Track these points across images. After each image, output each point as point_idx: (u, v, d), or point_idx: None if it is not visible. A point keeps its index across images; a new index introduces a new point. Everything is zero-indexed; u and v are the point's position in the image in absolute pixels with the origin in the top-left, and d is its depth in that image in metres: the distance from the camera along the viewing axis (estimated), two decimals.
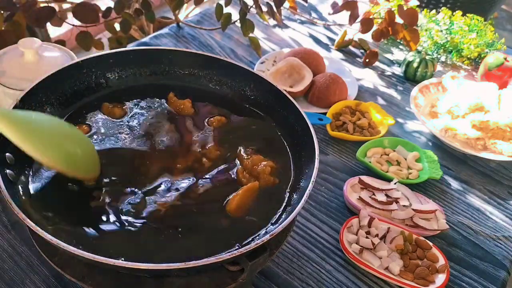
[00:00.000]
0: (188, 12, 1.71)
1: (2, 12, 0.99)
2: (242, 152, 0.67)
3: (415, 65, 1.16)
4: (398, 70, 1.22)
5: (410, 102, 1.04)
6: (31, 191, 0.57)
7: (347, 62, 1.23)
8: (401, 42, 1.32)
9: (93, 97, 0.73)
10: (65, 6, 1.18)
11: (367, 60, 1.22)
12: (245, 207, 0.60)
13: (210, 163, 0.65)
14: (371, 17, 1.20)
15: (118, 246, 0.54)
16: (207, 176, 0.64)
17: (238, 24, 1.14)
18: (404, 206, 0.81)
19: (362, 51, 1.27)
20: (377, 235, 0.75)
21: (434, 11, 1.33)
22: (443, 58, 1.28)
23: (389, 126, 0.99)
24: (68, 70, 0.69)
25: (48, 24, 1.05)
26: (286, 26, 1.34)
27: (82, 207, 0.58)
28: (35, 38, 0.80)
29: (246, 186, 0.62)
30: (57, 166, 0.56)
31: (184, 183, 0.62)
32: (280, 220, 0.59)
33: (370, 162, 0.90)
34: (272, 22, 1.33)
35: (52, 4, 1.04)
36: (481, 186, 0.93)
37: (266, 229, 0.59)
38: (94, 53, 0.73)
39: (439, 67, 1.24)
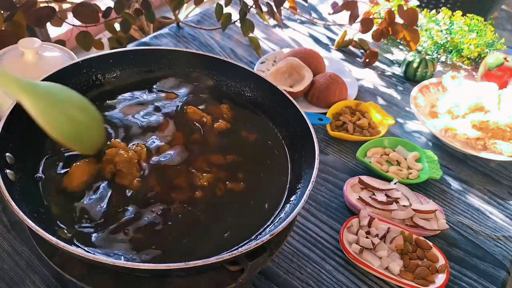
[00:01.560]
0: (188, 12, 1.71)
1: (2, 12, 0.98)
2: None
3: (415, 65, 1.16)
4: (398, 70, 1.22)
5: (410, 102, 1.04)
6: (31, 191, 0.58)
7: (347, 62, 1.23)
8: (401, 42, 1.32)
9: (94, 97, 0.73)
10: (65, 6, 1.18)
11: (367, 60, 1.22)
12: None
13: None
14: (371, 17, 1.20)
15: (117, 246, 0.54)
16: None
17: (238, 24, 1.14)
18: (404, 206, 0.81)
19: (362, 51, 1.27)
20: (377, 235, 0.75)
21: (434, 11, 1.33)
22: (443, 58, 1.28)
23: (389, 126, 0.99)
24: (68, 70, 0.69)
25: (48, 24, 1.05)
26: (286, 26, 1.34)
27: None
28: (35, 38, 0.80)
29: None
30: (65, 142, 0.57)
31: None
32: (280, 220, 0.59)
33: (370, 162, 0.90)
34: (272, 22, 1.33)
35: (52, 4, 1.04)
36: (481, 186, 0.93)
37: (266, 229, 0.59)
38: (94, 53, 0.73)
39: (439, 67, 1.24)
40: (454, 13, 1.28)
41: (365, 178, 0.85)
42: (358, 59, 1.25)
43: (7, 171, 0.55)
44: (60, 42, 1.05)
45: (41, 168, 0.61)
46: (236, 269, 0.54)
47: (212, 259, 0.49)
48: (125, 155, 0.61)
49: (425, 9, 1.36)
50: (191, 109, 0.71)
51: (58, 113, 0.56)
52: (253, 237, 0.58)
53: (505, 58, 1.12)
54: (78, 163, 0.60)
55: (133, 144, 0.64)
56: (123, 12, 1.09)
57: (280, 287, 0.70)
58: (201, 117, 0.71)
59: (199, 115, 0.71)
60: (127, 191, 0.59)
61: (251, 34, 1.12)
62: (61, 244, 0.47)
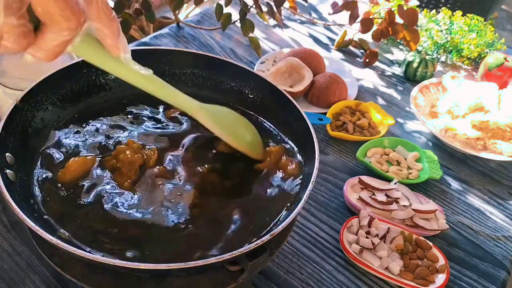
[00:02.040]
0: (188, 12, 1.71)
1: None
2: None
3: (415, 65, 1.16)
4: (398, 70, 1.22)
5: (410, 102, 1.04)
6: (31, 191, 0.58)
7: (347, 62, 1.23)
8: (401, 42, 1.32)
9: (94, 97, 0.73)
10: None
11: (367, 60, 1.22)
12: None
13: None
14: (371, 17, 1.20)
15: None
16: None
17: (238, 24, 1.14)
18: (404, 206, 0.81)
19: (362, 51, 1.27)
20: (377, 235, 0.75)
21: (434, 11, 1.33)
22: (443, 58, 1.28)
23: (389, 126, 0.99)
24: (68, 70, 0.69)
25: None
26: (286, 26, 1.34)
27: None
28: None
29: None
30: (242, 148, 0.65)
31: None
32: (280, 220, 0.59)
33: (370, 162, 0.90)
34: (272, 22, 1.33)
35: None
36: (481, 186, 0.93)
37: (266, 229, 0.59)
38: None
39: (439, 67, 1.24)
40: (454, 13, 1.28)
41: (365, 178, 0.85)
42: (358, 59, 1.25)
43: (7, 171, 0.55)
44: None
45: (38, 163, 0.61)
46: (236, 269, 0.54)
47: (212, 259, 0.49)
48: (129, 156, 0.62)
49: (425, 9, 1.36)
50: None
51: (229, 123, 0.64)
52: (253, 237, 0.58)
53: (505, 58, 1.12)
54: (76, 158, 0.61)
55: (149, 148, 0.65)
56: (123, 12, 1.09)
57: (280, 287, 0.70)
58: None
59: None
60: (117, 187, 0.60)
61: (251, 34, 1.12)
62: (61, 244, 0.47)
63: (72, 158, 0.61)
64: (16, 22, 0.35)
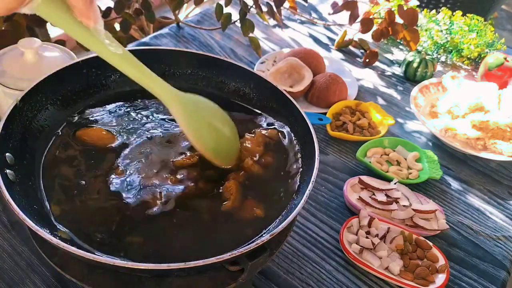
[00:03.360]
0: (188, 12, 1.71)
1: None
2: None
3: (415, 65, 1.16)
4: (398, 70, 1.22)
5: (410, 102, 1.04)
6: (31, 191, 0.58)
7: (347, 62, 1.23)
8: (401, 42, 1.32)
9: (94, 97, 0.73)
10: None
11: (367, 60, 1.22)
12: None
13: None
14: (371, 17, 1.20)
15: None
16: None
17: (238, 24, 1.14)
18: (404, 206, 0.81)
19: (362, 51, 1.27)
20: (377, 235, 0.75)
21: (434, 11, 1.33)
22: (443, 58, 1.28)
23: (389, 126, 0.99)
24: (68, 70, 0.69)
25: (48, 24, 1.05)
26: (286, 26, 1.34)
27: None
28: (35, 38, 0.80)
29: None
30: (205, 153, 0.59)
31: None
32: (280, 220, 0.59)
33: (370, 162, 0.90)
34: (272, 22, 1.33)
35: None
36: (481, 186, 0.93)
37: (266, 229, 0.59)
38: (94, 53, 0.73)
39: (439, 67, 1.24)
40: (454, 13, 1.28)
41: (365, 178, 0.85)
42: (358, 59, 1.25)
43: (7, 171, 0.55)
44: (60, 42, 1.05)
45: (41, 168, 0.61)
46: (236, 269, 0.54)
47: (212, 259, 0.49)
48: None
49: (425, 9, 1.36)
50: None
51: (202, 122, 0.58)
52: (253, 237, 0.58)
53: (505, 58, 1.12)
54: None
55: None
56: (123, 12, 1.09)
57: (280, 287, 0.70)
58: None
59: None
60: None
61: (251, 34, 1.12)
62: (62, 244, 0.47)
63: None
64: None
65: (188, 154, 0.65)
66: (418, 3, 1.24)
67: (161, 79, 0.53)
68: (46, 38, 1.36)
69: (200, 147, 0.58)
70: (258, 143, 0.67)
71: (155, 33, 1.23)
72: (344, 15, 1.22)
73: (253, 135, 0.68)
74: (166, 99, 0.54)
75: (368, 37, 1.27)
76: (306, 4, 1.41)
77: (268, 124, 0.73)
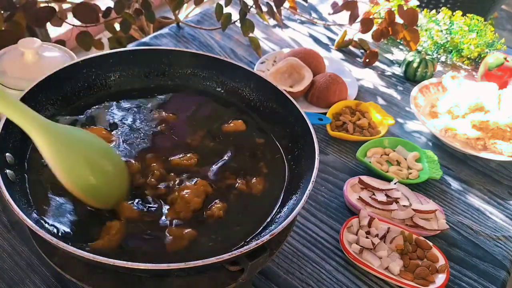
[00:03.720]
0: (188, 12, 1.71)
1: (2, 12, 0.98)
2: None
3: (415, 65, 1.16)
4: (398, 70, 1.22)
5: (410, 102, 1.04)
6: (31, 191, 0.58)
7: (347, 62, 1.23)
8: (401, 42, 1.32)
9: (94, 97, 0.73)
10: (65, 6, 1.18)
11: (367, 60, 1.22)
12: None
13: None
14: (371, 17, 1.20)
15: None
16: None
17: (238, 24, 1.14)
18: (404, 206, 0.81)
19: (362, 51, 1.27)
20: (377, 235, 0.75)
21: (434, 11, 1.33)
22: (443, 58, 1.28)
23: (389, 126, 0.99)
24: (68, 70, 0.69)
25: (48, 24, 1.05)
26: (286, 26, 1.34)
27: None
28: (35, 38, 0.80)
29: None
30: (76, 193, 0.52)
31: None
32: (280, 220, 0.59)
33: (370, 162, 0.90)
34: (272, 22, 1.33)
35: (52, 4, 1.04)
36: (481, 186, 0.93)
37: (266, 229, 0.59)
38: (94, 53, 0.73)
39: (439, 67, 1.24)
40: (454, 13, 1.28)
41: (365, 178, 0.85)
42: (358, 59, 1.25)
43: (7, 171, 0.55)
44: (60, 42, 1.05)
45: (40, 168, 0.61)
46: (236, 269, 0.54)
47: (212, 259, 0.49)
48: None
49: (425, 9, 1.36)
50: None
51: (75, 157, 0.50)
52: (253, 237, 0.58)
53: (505, 58, 1.12)
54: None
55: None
56: (123, 12, 1.09)
57: (280, 287, 0.70)
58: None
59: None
60: None
61: (251, 34, 1.12)
62: (61, 244, 0.47)
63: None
64: None
65: (188, 155, 0.65)
66: (418, 3, 1.24)
67: (24, 104, 0.46)
68: (46, 38, 1.36)
69: (70, 185, 0.51)
70: (198, 193, 0.59)
71: (155, 33, 1.23)
72: (344, 15, 1.22)
73: (195, 182, 0.61)
74: (25, 126, 0.46)
75: (368, 37, 1.27)
76: (306, 4, 1.41)
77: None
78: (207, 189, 0.61)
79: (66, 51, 0.85)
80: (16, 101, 0.44)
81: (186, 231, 0.56)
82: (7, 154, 0.57)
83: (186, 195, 0.58)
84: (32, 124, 0.45)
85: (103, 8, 1.08)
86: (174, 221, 0.57)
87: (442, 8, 1.32)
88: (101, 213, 0.57)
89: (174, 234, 0.55)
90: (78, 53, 0.83)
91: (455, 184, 0.92)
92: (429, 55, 1.17)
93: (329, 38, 1.32)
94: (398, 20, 1.15)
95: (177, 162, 0.64)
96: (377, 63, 1.23)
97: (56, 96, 0.68)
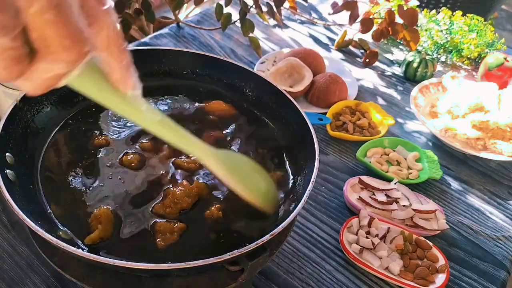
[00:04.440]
0: (188, 12, 1.70)
1: None
2: None
3: (415, 65, 1.16)
4: (398, 70, 1.22)
5: (410, 102, 1.04)
6: (31, 191, 0.58)
7: (347, 62, 1.23)
8: (401, 42, 1.32)
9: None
10: None
11: (367, 60, 1.22)
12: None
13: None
14: (371, 17, 1.20)
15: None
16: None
17: (238, 24, 1.14)
18: (404, 206, 0.81)
19: (362, 51, 1.27)
20: (377, 235, 0.75)
21: (434, 11, 1.33)
22: (443, 58, 1.28)
23: (389, 126, 0.99)
24: None
25: None
26: (286, 26, 1.34)
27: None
28: None
29: None
30: (254, 201, 0.56)
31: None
32: (280, 220, 0.59)
33: (370, 162, 0.90)
34: (272, 22, 1.33)
35: None
36: (481, 186, 0.93)
37: (266, 229, 0.59)
38: None
39: (439, 67, 1.24)
40: (454, 13, 1.28)
41: (365, 178, 0.85)
42: (358, 59, 1.25)
43: (7, 171, 0.55)
44: None
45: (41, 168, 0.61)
46: (236, 269, 0.54)
47: (212, 259, 0.49)
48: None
49: (425, 9, 1.36)
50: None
51: (241, 173, 0.56)
52: (253, 237, 0.58)
53: (505, 58, 1.12)
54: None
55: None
56: (123, 12, 1.09)
57: (280, 287, 0.70)
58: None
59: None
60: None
61: (251, 34, 1.12)
62: (62, 244, 0.47)
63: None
64: (10, 44, 0.28)
65: (191, 158, 0.65)
66: (418, 3, 1.24)
67: (197, 138, 0.50)
68: None
69: (246, 193, 0.55)
70: (190, 194, 0.60)
71: (155, 33, 1.23)
72: (344, 15, 1.22)
73: (191, 183, 0.62)
74: (202, 156, 0.52)
75: (368, 37, 1.27)
76: (306, 4, 1.41)
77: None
78: (202, 192, 0.61)
79: None
80: (193, 138, 0.49)
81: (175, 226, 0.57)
82: (7, 154, 0.57)
83: (178, 192, 0.59)
84: (208, 154, 0.51)
85: None
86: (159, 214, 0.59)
87: (442, 8, 1.32)
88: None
89: (160, 228, 0.57)
90: None
91: (455, 184, 0.92)
92: (429, 55, 1.17)
93: (329, 38, 1.32)
94: (398, 20, 1.15)
95: (179, 163, 0.64)
96: (377, 63, 1.23)
97: (56, 96, 0.68)
